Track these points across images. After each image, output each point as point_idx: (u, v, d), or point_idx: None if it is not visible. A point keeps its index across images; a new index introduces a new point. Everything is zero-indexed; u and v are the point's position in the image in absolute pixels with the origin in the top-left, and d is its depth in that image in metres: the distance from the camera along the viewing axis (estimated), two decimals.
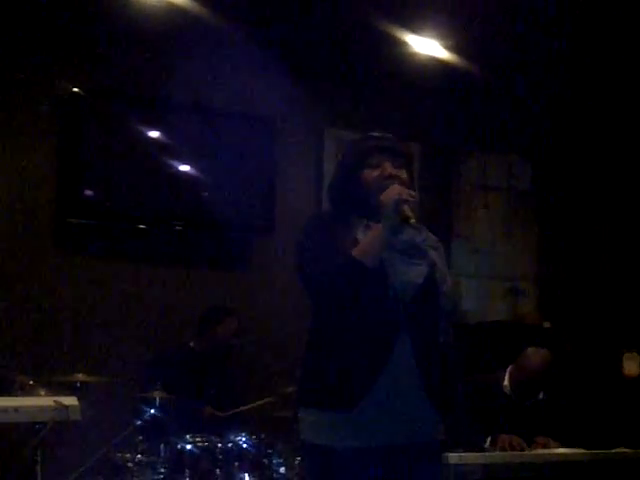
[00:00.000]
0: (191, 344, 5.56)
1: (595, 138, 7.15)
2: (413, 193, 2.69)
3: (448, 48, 6.08)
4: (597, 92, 6.79)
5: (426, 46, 6.05)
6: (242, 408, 5.27)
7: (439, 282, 2.77)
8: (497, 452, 4.18)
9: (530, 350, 4.94)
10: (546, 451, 4.34)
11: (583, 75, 6.55)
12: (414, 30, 5.85)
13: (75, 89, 5.72)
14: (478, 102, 6.98)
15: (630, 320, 6.70)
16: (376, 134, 2.95)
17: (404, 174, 2.83)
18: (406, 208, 2.62)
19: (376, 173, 2.82)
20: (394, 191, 2.67)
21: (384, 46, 6.02)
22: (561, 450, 4.31)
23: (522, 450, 4.27)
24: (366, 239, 2.69)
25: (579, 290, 7.11)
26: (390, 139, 2.93)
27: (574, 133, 7.22)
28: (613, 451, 4.26)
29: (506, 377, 4.97)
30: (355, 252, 2.65)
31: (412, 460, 2.75)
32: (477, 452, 4.04)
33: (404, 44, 6.00)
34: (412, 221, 2.62)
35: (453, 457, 3.69)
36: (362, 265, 2.63)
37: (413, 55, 6.16)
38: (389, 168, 2.81)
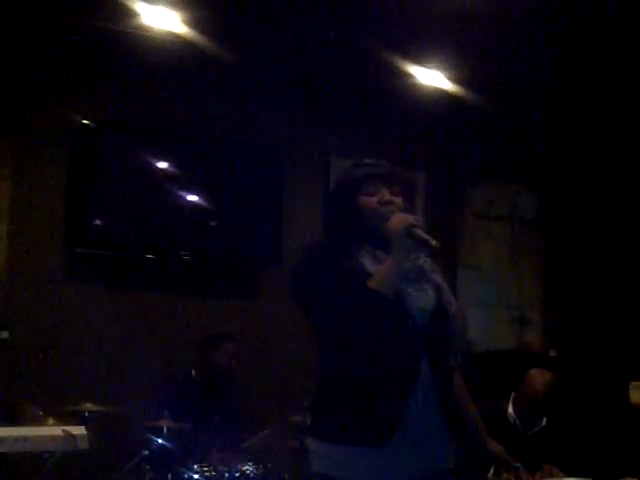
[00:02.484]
0: (192, 373, 5.58)
1: (600, 168, 7.18)
2: (418, 218, 2.69)
3: (453, 79, 6.13)
4: (602, 123, 6.83)
5: (432, 77, 6.09)
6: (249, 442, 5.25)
7: (447, 305, 2.79)
8: None
9: (533, 371, 4.97)
10: None
11: (589, 107, 6.59)
12: (420, 62, 5.89)
13: (85, 121, 5.78)
14: (483, 132, 7.02)
15: (637, 349, 6.69)
16: (370, 161, 2.93)
17: (400, 200, 2.83)
18: (419, 232, 2.62)
19: (374, 199, 2.81)
20: (400, 218, 2.67)
21: (390, 77, 6.06)
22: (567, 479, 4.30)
23: None
24: (381, 269, 2.65)
25: (585, 319, 7.10)
26: (385, 166, 2.92)
27: (579, 163, 7.25)
28: None
29: (510, 404, 4.98)
30: (371, 283, 2.60)
31: None
32: None
33: (410, 75, 6.05)
34: (434, 243, 2.61)
35: None
36: (381, 296, 2.58)
37: (419, 86, 6.20)
38: (387, 195, 2.81)
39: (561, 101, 6.55)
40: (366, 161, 2.95)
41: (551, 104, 6.62)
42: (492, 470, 4.27)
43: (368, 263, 2.72)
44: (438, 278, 2.83)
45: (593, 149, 7.15)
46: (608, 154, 7.10)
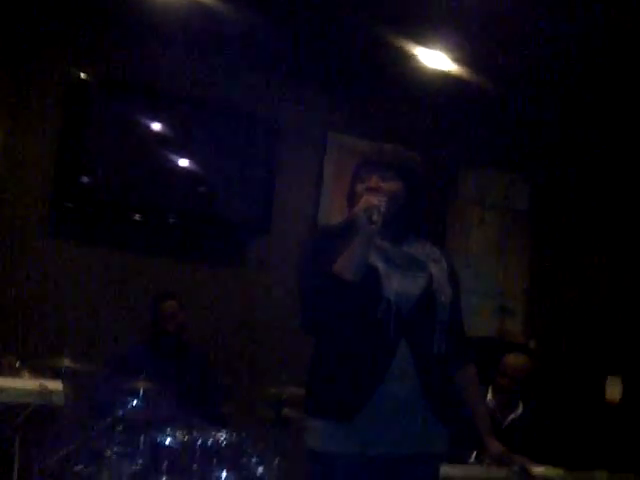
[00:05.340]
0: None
1: (593, 161, 7.18)
2: (382, 198, 2.74)
3: (452, 62, 6.10)
4: (597, 113, 6.81)
5: (431, 59, 6.06)
6: None
7: (437, 294, 2.82)
8: (479, 467, 4.17)
9: (509, 355, 5.11)
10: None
11: (584, 96, 6.57)
12: (419, 42, 5.86)
13: (83, 75, 5.72)
14: (480, 118, 7.00)
15: (615, 345, 6.73)
16: (373, 146, 3.01)
17: (395, 185, 2.86)
18: (373, 212, 2.69)
19: (364, 186, 2.87)
20: (363, 202, 2.74)
21: (389, 55, 6.03)
22: (541, 469, 4.31)
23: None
24: (346, 252, 2.71)
25: (567, 312, 7.14)
26: (386, 151, 2.95)
27: (573, 155, 7.24)
28: (593, 472, 4.27)
29: (489, 391, 5.03)
30: (335, 267, 2.69)
31: (412, 471, 2.78)
32: (461, 465, 4.04)
33: (410, 56, 6.01)
34: (374, 218, 2.67)
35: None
36: (341, 278, 2.66)
37: (418, 67, 6.18)
38: (374, 181, 2.85)
39: (559, 91, 6.52)
40: (375, 146, 3.01)
41: (549, 94, 6.59)
42: (474, 454, 4.28)
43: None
44: (435, 268, 2.87)
45: (588, 141, 7.14)
46: (603, 148, 7.11)
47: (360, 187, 2.88)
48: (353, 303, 2.69)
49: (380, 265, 2.77)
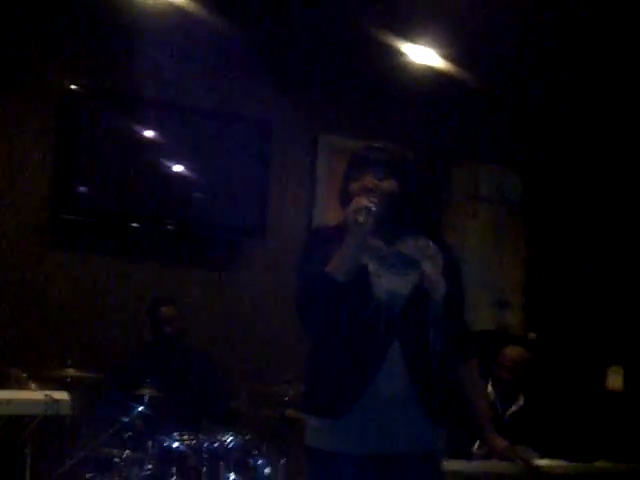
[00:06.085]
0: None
1: (586, 152, 7.21)
2: (373, 199, 2.71)
3: (442, 57, 6.13)
4: (589, 106, 6.85)
5: (421, 55, 6.10)
6: None
7: (430, 291, 2.80)
8: (481, 462, 4.21)
9: (507, 347, 5.22)
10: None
11: (577, 89, 6.61)
12: (408, 38, 5.90)
13: (73, 86, 5.75)
14: (471, 112, 7.04)
15: (615, 334, 6.75)
16: (367, 144, 2.96)
17: (390, 184, 2.84)
18: (362, 213, 2.66)
19: (358, 185, 2.84)
20: (354, 203, 2.70)
21: (378, 54, 6.07)
22: (543, 461, 4.35)
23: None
24: (337, 254, 2.71)
25: (565, 303, 7.16)
26: (379, 149, 2.92)
27: (565, 147, 7.28)
28: (595, 464, 4.31)
29: (489, 384, 5.08)
30: (328, 267, 2.69)
31: (406, 470, 2.79)
32: (463, 460, 4.08)
33: (399, 53, 6.06)
34: (360, 219, 2.65)
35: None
36: (333, 279, 2.66)
37: (408, 64, 6.22)
38: (368, 180, 2.83)
39: (550, 83, 6.56)
40: (365, 144, 2.97)
41: (541, 86, 6.63)
42: (477, 444, 4.32)
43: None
44: (429, 265, 2.84)
45: (580, 133, 7.18)
46: (596, 140, 7.14)
47: (354, 186, 2.85)
48: (344, 303, 2.70)
49: (370, 265, 2.77)
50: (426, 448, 2.82)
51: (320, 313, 2.74)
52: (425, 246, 2.89)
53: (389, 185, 2.84)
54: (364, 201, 2.69)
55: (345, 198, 2.88)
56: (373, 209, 2.68)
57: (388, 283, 2.76)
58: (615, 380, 6.69)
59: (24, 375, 4.30)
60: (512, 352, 5.17)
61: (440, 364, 2.84)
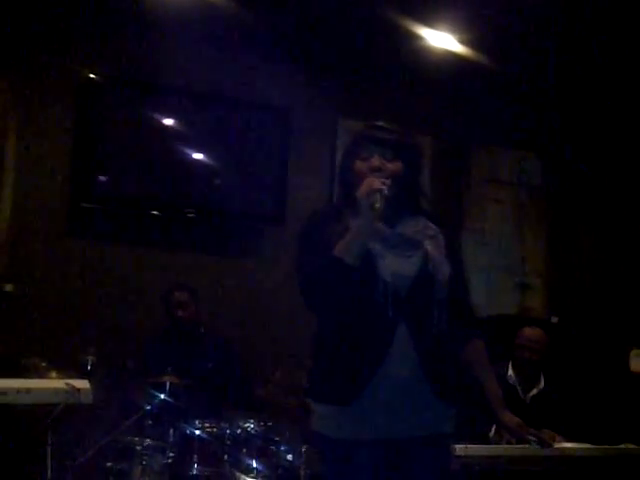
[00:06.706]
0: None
1: (606, 135, 7.15)
2: (386, 181, 2.70)
3: (462, 42, 6.08)
4: (610, 89, 6.79)
5: (440, 39, 6.05)
6: None
7: (434, 272, 2.78)
8: (502, 445, 4.19)
9: (525, 328, 5.24)
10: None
11: (597, 71, 6.54)
12: (428, 24, 5.85)
13: (92, 75, 5.75)
14: (491, 96, 6.99)
15: (638, 317, 6.70)
16: (374, 123, 2.92)
17: (396, 166, 2.82)
18: (376, 198, 2.64)
19: (365, 165, 2.82)
20: (366, 185, 2.68)
21: (398, 39, 6.02)
22: (567, 444, 4.33)
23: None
24: (347, 236, 2.68)
25: (588, 286, 7.12)
26: (385, 129, 2.89)
27: (585, 130, 7.22)
28: (619, 447, 4.28)
29: (510, 366, 5.07)
30: (336, 250, 2.66)
31: (416, 453, 2.78)
32: (482, 443, 4.06)
33: (418, 37, 6.01)
34: (376, 206, 2.63)
35: (460, 448, 3.71)
36: (342, 262, 2.64)
37: (427, 48, 6.17)
38: (376, 160, 2.81)
39: (571, 66, 6.50)
40: (369, 124, 2.94)
41: (561, 69, 6.57)
42: (493, 430, 4.30)
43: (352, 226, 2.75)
44: (431, 245, 2.82)
45: (601, 116, 7.12)
46: (616, 122, 7.07)
47: (360, 165, 2.83)
48: (351, 286, 2.67)
49: (375, 247, 2.74)
50: (436, 430, 2.81)
51: (329, 297, 2.72)
52: (425, 227, 2.87)
53: (396, 167, 2.82)
54: (376, 183, 2.68)
55: (348, 175, 2.87)
56: (385, 192, 2.67)
57: (393, 265, 2.75)
58: (639, 362, 6.64)
59: (43, 364, 4.31)
60: (530, 332, 5.17)
61: (447, 343, 2.83)
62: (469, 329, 3.00)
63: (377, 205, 2.64)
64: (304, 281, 2.76)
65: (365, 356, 2.71)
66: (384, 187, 2.67)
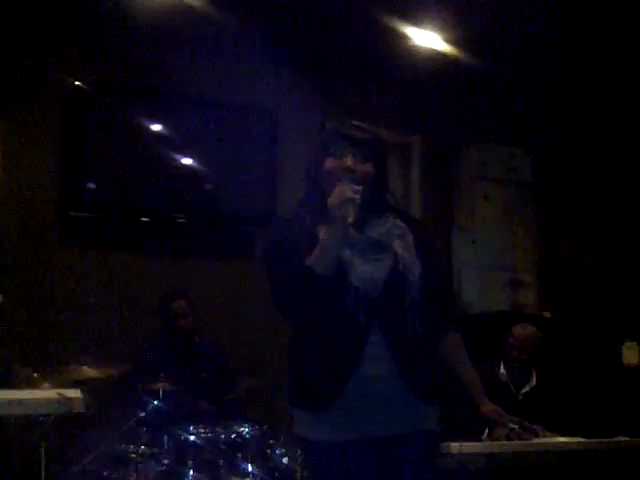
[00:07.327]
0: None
1: (595, 131, 7.16)
2: (358, 189, 2.65)
3: (449, 40, 6.09)
4: (598, 85, 6.79)
5: (427, 38, 6.06)
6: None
7: (405, 273, 2.75)
8: (498, 441, 4.19)
9: (517, 326, 5.21)
10: (547, 440, 4.35)
11: (585, 68, 6.55)
12: (415, 23, 5.86)
13: (78, 83, 5.74)
14: (479, 94, 6.99)
15: (630, 310, 6.72)
16: (346, 122, 2.87)
17: (368, 167, 2.77)
18: (349, 210, 2.60)
19: (336, 163, 2.76)
20: (339, 195, 2.63)
21: (385, 38, 6.02)
22: (562, 439, 4.33)
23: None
24: (318, 248, 2.65)
25: (579, 280, 7.13)
26: (357, 127, 2.83)
27: (574, 126, 7.23)
28: (613, 440, 4.28)
29: (501, 364, 5.07)
30: (309, 261, 2.63)
31: (397, 451, 2.76)
32: (477, 442, 4.06)
33: (405, 36, 6.01)
34: (349, 220, 2.60)
35: (454, 447, 3.71)
36: (315, 275, 2.61)
37: (414, 47, 6.17)
38: (349, 161, 2.75)
39: (559, 62, 6.51)
40: (344, 122, 2.88)
41: (549, 65, 6.58)
42: (486, 431, 4.29)
43: (323, 234, 2.71)
44: (400, 245, 2.79)
45: (590, 112, 7.13)
46: (605, 118, 7.08)
47: (331, 163, 2.77)
48: (323, 295, 2.65)
49: (345, 253, 2.71)
50: (418, 428, 2.78)
51: (303, 308, 2.70)
52: (393, 226, 2.82)
53: (367, 168, 2.77)
54: (348, 192, 2.63)
55: (317, 172, 2.82)
56: (358, 202, 2.63)
57: (363, 270, 2.72)
58: (631, 355, 6.67)
59: (35, 375, 4.29)
60: (521, 331, 5.15)
61: (424, 342, 2.79)
62: (446, 323, 2.96)
63: (350, 219, 2.61)
64: (280, 296, 2.73)
65: (339, 362, 2.70)
66: (357, 197, 2.63)
